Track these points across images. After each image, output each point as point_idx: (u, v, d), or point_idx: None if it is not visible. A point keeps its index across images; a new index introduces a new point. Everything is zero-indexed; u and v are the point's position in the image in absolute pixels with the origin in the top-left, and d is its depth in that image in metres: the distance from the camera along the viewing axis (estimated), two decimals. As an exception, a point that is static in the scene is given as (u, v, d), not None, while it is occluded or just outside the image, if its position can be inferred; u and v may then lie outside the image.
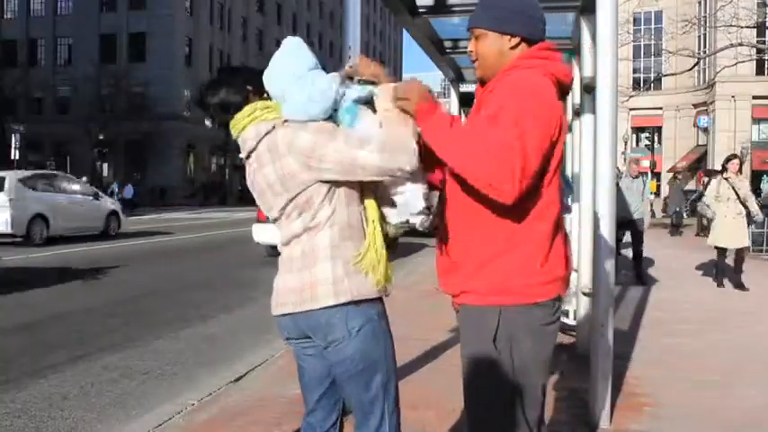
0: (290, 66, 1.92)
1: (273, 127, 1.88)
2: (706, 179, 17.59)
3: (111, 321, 6.34)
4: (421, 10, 5.11)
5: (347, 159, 1.80)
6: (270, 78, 1.95)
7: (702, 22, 26.21)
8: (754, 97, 35.66)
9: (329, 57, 68.27)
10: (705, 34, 32.85)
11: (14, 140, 24.57)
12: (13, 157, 24.45)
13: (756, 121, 36.88)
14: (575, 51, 5.34)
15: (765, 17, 21.32)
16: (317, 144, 1.81)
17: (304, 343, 1.97)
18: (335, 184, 1.86)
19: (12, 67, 43.56)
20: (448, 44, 6.45)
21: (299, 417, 3.50)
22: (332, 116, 1.90)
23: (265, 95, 1.97)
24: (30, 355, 5.07)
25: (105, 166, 41.42)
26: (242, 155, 1.97)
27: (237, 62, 52.02)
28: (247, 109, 1.93)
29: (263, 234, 11.18)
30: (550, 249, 1.81)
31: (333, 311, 1.83)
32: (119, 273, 9.86)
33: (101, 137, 39.16)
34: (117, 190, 29.64)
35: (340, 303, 1.82)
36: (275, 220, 1.99)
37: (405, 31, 5.95)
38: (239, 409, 3.68)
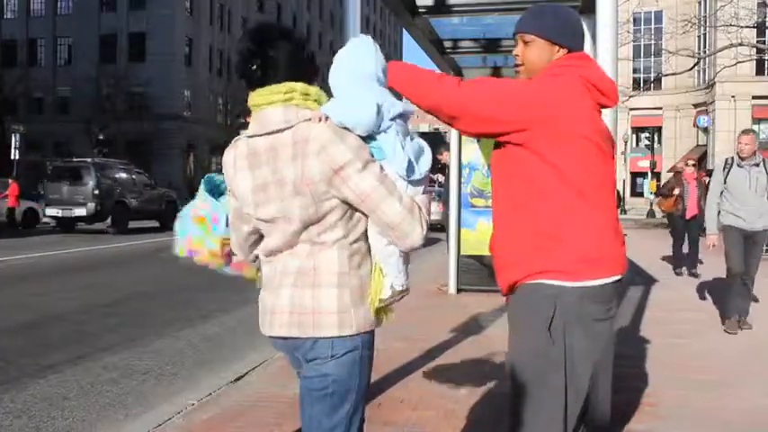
0: (360, 65, 1.72)
1: (308, 119, 1.64)
2: (707, 179, 17.59)
3: (111, 321, 6.34)
4: (421, 10, 5.11)
5: (374, 196, 1.62)
6: (334, 70, 1.73)
7: (702, 22, 26.21)
8: (754, 97, 35.64)
9: (330, 57, 68.26)
10: (705, 34, 32.85)
11: (14, 140, 24.54)
12: (13, 157, 24.41)
13: (756, 121, 36.85)
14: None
15: (765, 17, 21.34)
16: (350, 164, 1.61)
17: (293, 365, 1.82)
18: (352, 207, 1.68)
19: (12, 67, 43.59)
20: (448, 44, 6.45)
21: (299, 417, 3.51)
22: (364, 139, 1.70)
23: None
24: (30, 355, 5.06)
25: (105, 166, 41.41)
26: (247, 133, 1.73)
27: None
28: (285, 86, 1.68)
29: None
30: (595, 230, 1.83)
31: (331, 341, 1.68)
32: (118, 273, 9.85)
33: (101, 137, 39.18)
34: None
35: (343, 335, 1.67)
36: (265, 221, 1.74)
37: (405, 31, 5.95)
38: (239, 409, 3.68)
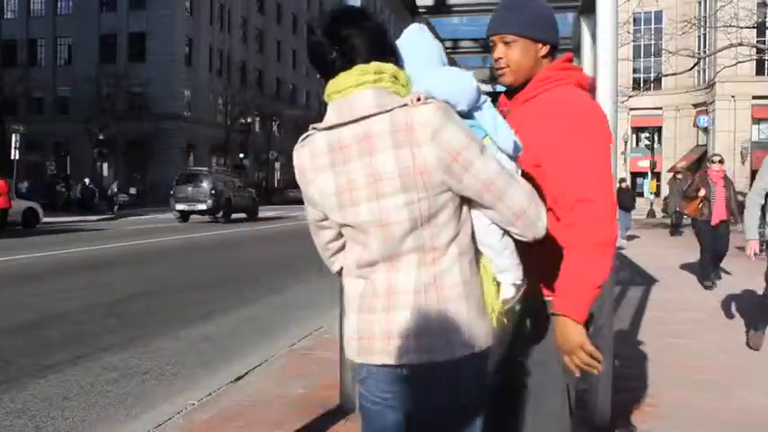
0: (426, 51, 1.58)
1: (405, 104, 1.40)
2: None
3: (111, 321, 6.34)
4: (421, 10, 5.10)
5: (499, 182, 1.43)
6: (405, 60, 1.56)
7: (702, 23, 26.21)
8: (754, 97, 35.67)
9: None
10: (705, 34, 32.86)
11: (14, 140, 24.51)
12: (12, 157, 24.40)
13: (756, 121, 36.89)
14: (575, 51, 5.34)
15: (765, 17, 21.34)
16: (468, 147, 1.40)
17: (390, 393, 1.51)
18: (463, 200, 1.47)
19: (12, 67, 43.58)
20: (448, 44, 6.44)
21: (300, 417, 3.52)
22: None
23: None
24: (30, 355, 5.06)
25: (105, 166, 41.43)
26: (324, 124, 1.47)
27: (237, 62, 52.11)
28: (374, 66, 1.43)
29: None
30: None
31: (463, 361, 1.45)
32: (118, 273, 9.85)
33: (101, 137, 39.18)
34: (116, 190, 29.61)
35: (475, 351, 1.45)
36: (353, 228, 1.48)
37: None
38: (239, 409, 3.68)
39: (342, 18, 1.49)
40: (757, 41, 21.72)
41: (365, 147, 1.41)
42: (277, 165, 55.02)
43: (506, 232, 1.52)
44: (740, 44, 17.45)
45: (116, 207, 28.49)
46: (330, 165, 1.46)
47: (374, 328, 1.46)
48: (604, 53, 3.37)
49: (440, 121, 1.38)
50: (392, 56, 1.51)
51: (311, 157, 1.49)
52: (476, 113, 1.55)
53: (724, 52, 19.52)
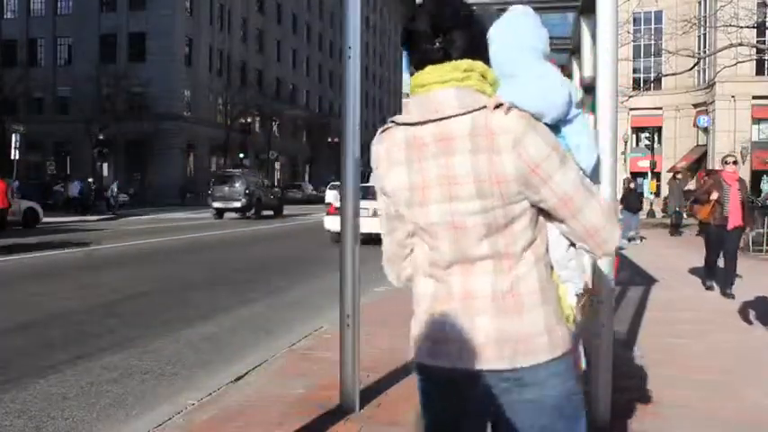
0: (529, 39, 1.51)
1: (484, 106, 1.37)
2: (706, 179, 17.57)
3: (111, 321, 6.34)
4: (421, 10, 5.10)
5: (577, 198, 1.39)
6: (494, 49, 1.50)
7: (702, 22, 26.21)
8: (754, 97, 35.63)
9: (329, 57, 68.27)
10: (705, 34, 32.85)
11: (14, 140, 24.50)
12: (12, 157, 24.39)
13: (756, 121, 36.85)
14: (575, 51, 5.34)
15: (765, 17, 21.33)
16: (549, 158, 1.36)
17: (466, 398, 1.50)
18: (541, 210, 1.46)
19: (12, 67, 43.56)
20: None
21: (300, 417, 3.52)
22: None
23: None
24: (30, 355, 5.07)
25: (105, 166, 41.42)
26: (404, 118, 1.44)
27: (237, 62, 52.12)
28: (465, 63, 1.40)
29: (335, 224, 12.78)
30: None
31: (547, 366, 1.44)
32: (118, 273, 9.85)
33: (101, 137, 39.15)
34: (116, 190, 29.58)
35: (556, 357, 1.43)
36: (422, 227, 1.45)
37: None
38: (239, 409, 3.68)
39: (449, 10, 1.44)
40: (757, 41, 21.71)
41: (443, 147, 1.38)
42: (277, 165, 55.01)
43: (573, 244, 1.50)
44: (740, 44, 17.45)
45: (116, 207, 28.45)
46: (406, 160, 1.44)
47: (450, 332, 1.43)
48: (604, 53, 3.37)
49: (523, 129, 1.35)
50: (487, 52, 1.48)
51: (388, 150, 1.47)
52: (565, 128, 1.50)
53: (724, 52, 19.52)
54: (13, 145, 24.45)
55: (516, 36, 1.53)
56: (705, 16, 29.03)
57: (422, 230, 1.46)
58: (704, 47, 32.25)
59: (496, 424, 1.52)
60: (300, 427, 3.39)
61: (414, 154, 1.42)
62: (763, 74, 34.29)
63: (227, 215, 25.76)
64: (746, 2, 19.08)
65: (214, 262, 11.56)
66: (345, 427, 3.38)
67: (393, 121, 1.47)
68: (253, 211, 25.69)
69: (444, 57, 1.42)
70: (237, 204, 25.22)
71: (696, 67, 26.91)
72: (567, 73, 6.02)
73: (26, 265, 10.70)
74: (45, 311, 6.75)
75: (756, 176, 34.69)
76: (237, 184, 25.49)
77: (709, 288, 8.09)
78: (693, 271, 9.51)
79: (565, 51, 6.42)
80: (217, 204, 25.64)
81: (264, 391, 4.03)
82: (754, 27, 20.65)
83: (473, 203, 1.37)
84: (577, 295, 1.57)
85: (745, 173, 32.75)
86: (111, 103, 42.04)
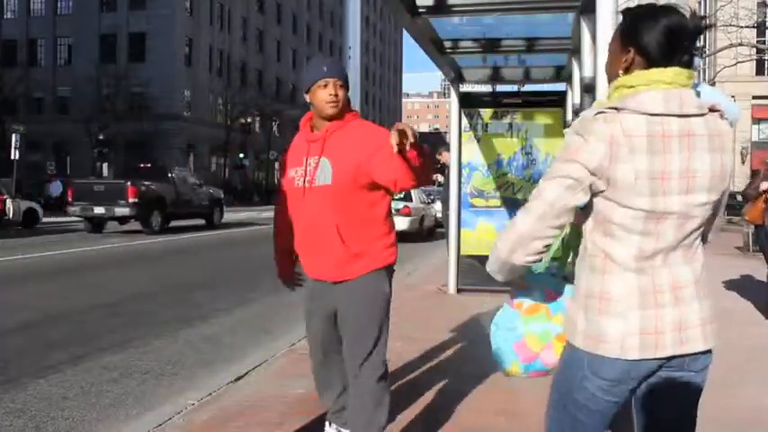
0: None
1: (709, 111, 1.56)
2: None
3: (111, 321, 6.34)
4: (421, 10, 5.10)
5: (723, 200, 1.66)
6: None
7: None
8: (754, 97, 35.66)
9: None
10: (705, 34, 32.87)
11: (14, 140, 24.49)
12: (12, 157, 24.38)
13: (756, 121, 36.88)
14: (575, 51, 5.34)
15: (765, 17, 21.34)
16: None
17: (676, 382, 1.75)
18: None
19: (12, 67, 43.59)
20: (448, 44, 6.45)
21: (300, 417, 3.52)
22: None
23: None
24: (30, 355, 5.07)
25: (105, 166, 41.47)
26: (643, 107, 1.49)
27: (237, 62, 52.13)
28: (690, 71, 1.58)
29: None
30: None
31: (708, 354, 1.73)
32: (118, 273, 9.86)
33: (101, 137, 39.21)
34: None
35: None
36: (657, 215, 1.52)
37: (405, 31, 5.95)
38: (239, 409, 3.68)
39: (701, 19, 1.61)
40: (757, 41, 21.72)
41: (686, 142, 1.50)
42: (277, 165, 55.05)
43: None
44: (740, 44, 17.47)
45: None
46: (647, 149, 1.48)
47: (665, 323, 1.54)
48: (604, 53, 3.36)
49: (729, 136, 1.59)
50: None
51: (625, 135, 1.48)
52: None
53: (724, 52, 19.54)
54: (13, 145, 24.43)
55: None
56: (705, 16, 29.01)
57: (646, 219, 1.51)
58: (704, 47, 32.25)
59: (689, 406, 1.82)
60: (300, 427, 3.39)
61: (657, 144, 1.49)
62: (763, 74, 34.32)
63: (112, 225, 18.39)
64: (746, 2, 19.09)
65: (214, 262, 11.57)
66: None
67: (613, 108, 1.51)
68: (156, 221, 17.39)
69: (690, 60, 1.57)
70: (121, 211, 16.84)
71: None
72: (568, 74, 6.00)
73: (26, 265, 10.71)
74: (45, 311, 6.75)
75: (756, 176, 34.62)
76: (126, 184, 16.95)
77: None
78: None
79: (565, 51, 6.43)
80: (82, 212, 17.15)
81: (264, 391, 4.03)
82: (753, 27, 20.66)
83: (702, 196, 1.53)
84: None
85: (744, 172, 32.76)
86: (111, 103, 42.08)
